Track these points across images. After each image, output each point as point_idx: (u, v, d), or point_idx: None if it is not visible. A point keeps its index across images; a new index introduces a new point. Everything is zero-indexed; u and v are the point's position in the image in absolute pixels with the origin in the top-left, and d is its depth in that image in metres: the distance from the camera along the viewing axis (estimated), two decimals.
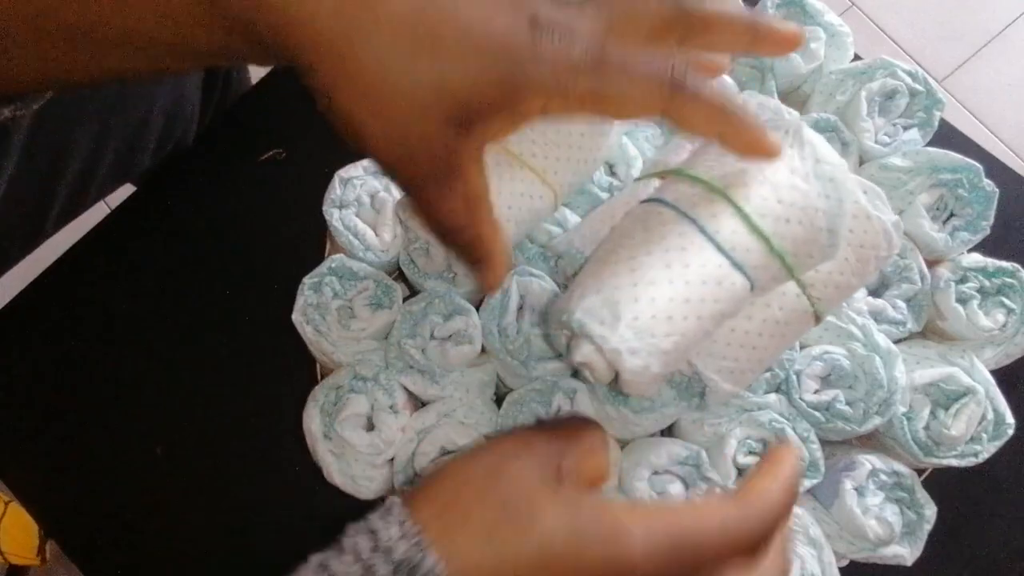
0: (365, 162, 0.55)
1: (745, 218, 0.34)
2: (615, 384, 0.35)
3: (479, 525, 0.29)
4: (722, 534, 0.30)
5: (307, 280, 0.52)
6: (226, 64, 0.30)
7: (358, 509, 0.52)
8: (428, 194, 0.29)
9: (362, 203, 0.54)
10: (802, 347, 0.51)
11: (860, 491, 0.49)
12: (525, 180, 0.49)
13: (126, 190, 0.69)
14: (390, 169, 0.29)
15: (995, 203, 0.53)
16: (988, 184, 0.53)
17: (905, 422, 0.49)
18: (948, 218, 0.54)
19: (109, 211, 0.64)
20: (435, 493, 0.30)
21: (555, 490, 0.30)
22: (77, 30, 0.27)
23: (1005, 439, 0.49)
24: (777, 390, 0.50)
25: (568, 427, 0.33)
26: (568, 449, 0.32)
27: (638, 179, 0.41)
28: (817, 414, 0.49)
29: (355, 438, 0.50)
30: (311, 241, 0.57)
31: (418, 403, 0.53)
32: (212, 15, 0.26)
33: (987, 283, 0.52)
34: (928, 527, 0.49)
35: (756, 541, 0.30)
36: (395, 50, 0.26)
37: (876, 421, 0.48)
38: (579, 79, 0.27)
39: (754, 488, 0.31)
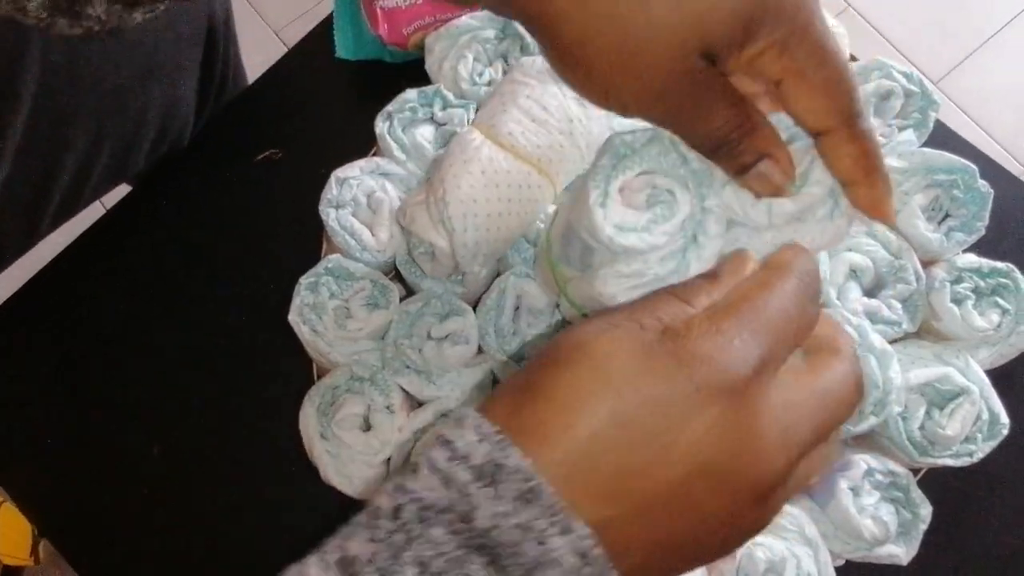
0: (362, 162, 0.55)
1: None
2: None
3: (562, 412, 0.25)
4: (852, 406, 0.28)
5: (303, 280, 0.52)
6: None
7: (355, 509, 0.52)
8: (693, 126, 0.30)
9: (358, 203, 0.54)
10: None
11: (856, 491, 0.49)
12: (522, 171, 0.49)
13: (122, 190, 0.69)
14: (646, 111, 0.30)
15: (990, 204, 0.53)
16: (983, 185, 0.53)
17: (900, 422, 0.49)
18: (943, 219, 0.54)
19: (105, 211, 0.64)
20: (509, 389, 0.27)
21: (654, 355, 0.25)
22: None
23: (1000, 439, 0.49)
24: None
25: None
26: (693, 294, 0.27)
27: None
28: None
29: (351, 438, 0.50)
30: (307, 241, 0.57)
31: (414, 403, 0.53)
32: None
33: (982, 283, 0.52)
34: (924, 527, 0.49)
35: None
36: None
37: (871, 421, 0.48)
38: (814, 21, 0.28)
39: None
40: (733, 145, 0.30)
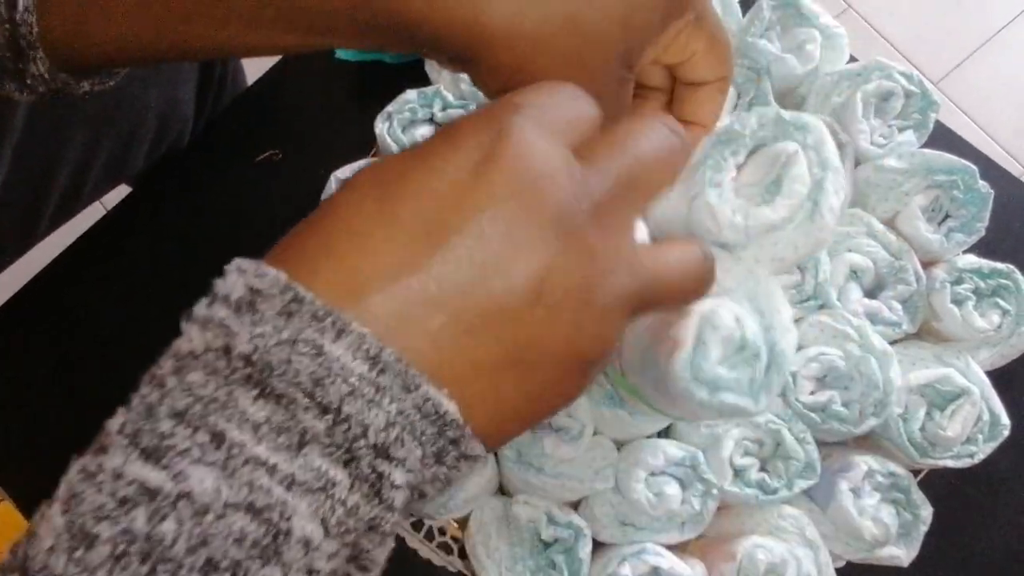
0: (362, 162, 0.55)
1: None
2: None
3: (320, 235, 0.23)
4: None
5: None
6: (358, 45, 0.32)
7: None
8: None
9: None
10: (798, 348, 0.51)
11: (856, 492, 0.49)
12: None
13: (122, 190, 0.69)
14: None
15: (990, 204, 0.53)
16: (983, 186, 0.53)
17: (901, 423, 0.49)
18: (943, 219, 0.54)
19: (104, 212, 0.64)
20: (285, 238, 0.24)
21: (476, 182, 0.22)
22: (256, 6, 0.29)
23: (1001, 440, 0.49)
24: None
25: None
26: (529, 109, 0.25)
27: None
28: (813, 415, 0.49)
29: None
30: None
31: None
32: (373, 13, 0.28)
33: (982, 284, 0.52)
34: (924, 528, 0.49)
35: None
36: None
37: (872, 422, 0.48)
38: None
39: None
40: None
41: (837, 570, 0.50)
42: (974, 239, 0.53)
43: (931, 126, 0.55)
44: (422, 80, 0.58)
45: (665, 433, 0.52)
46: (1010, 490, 0.57)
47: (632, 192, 0.26)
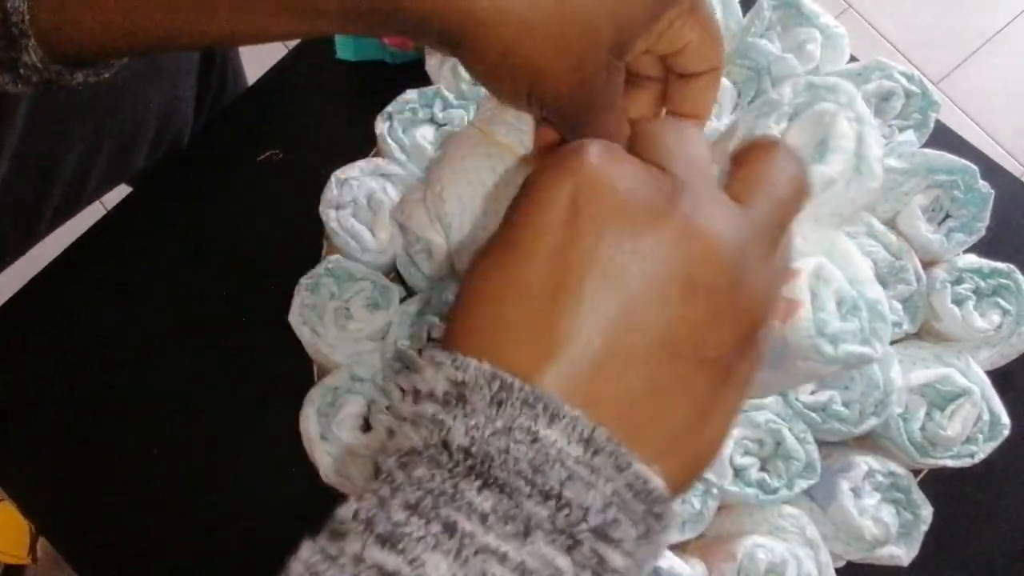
0: (362, 163, 0.55)
1: None
2: None
3: (505, 315, 0.22)
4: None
5: (304, 281, 0.52)
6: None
7: None
8: (592, 121, 0.32)
9: (359, 204, 0.54)
10: None
11: (856, 492, 0.49)
12: (523, 171, 0.49)
13: (122, 190, 0.69)
14: (564, 104, 0.31)
15: (990, 204, 0.53)
16: (983, 185, 0.53)
17: (901, 423, 0.49)
18: (944, 219, 0.54)
19: (104, 211, 0.64)
20: (460, 312, 0.24)
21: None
22: None
23: (1001, 439, 0.49)
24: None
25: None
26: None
27: None
28: (813, 415, 0.49)
29: (352, 439, 0.50)
30: (308, 242, 0.57)
31: None
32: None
33: (982, 284, 0.52)
34: (924, 528, 0.49)
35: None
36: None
37: (872, 422, 0.48)
38: None
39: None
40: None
41: (837, 570, 0.50)
42: (974, 239, 0.53)
43: (931, 126, 0.55)
44: (422, 80, 0.58)
45: None
46: (1010, 490, 0.57)
47: (778, 226, 0.25)
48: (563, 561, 0.20)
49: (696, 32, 0.33)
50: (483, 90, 0.57)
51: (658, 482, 0.21)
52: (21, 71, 0.32)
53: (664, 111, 0.37)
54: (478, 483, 0.21)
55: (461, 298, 0.24)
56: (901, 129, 0.55)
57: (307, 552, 0.22)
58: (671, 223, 0.22)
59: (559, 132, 0.35)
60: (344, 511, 0.22)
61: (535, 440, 0.21)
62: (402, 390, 0.23)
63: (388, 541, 0.20)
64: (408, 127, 0.56)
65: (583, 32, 0.30)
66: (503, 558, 0.20)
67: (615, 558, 0.21)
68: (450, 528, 0.20)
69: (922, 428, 0.49)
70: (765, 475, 0.49)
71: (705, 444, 0.23)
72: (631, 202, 0.23)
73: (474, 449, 0.21)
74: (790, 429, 0.49)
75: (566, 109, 0.32)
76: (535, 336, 0.22)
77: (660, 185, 0.23)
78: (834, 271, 0.34)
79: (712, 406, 0.23)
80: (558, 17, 0.29)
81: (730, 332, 0.23)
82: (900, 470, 0.50)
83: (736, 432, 0.49)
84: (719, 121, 0.53)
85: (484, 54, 0.30)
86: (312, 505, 0.53)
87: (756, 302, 0.23)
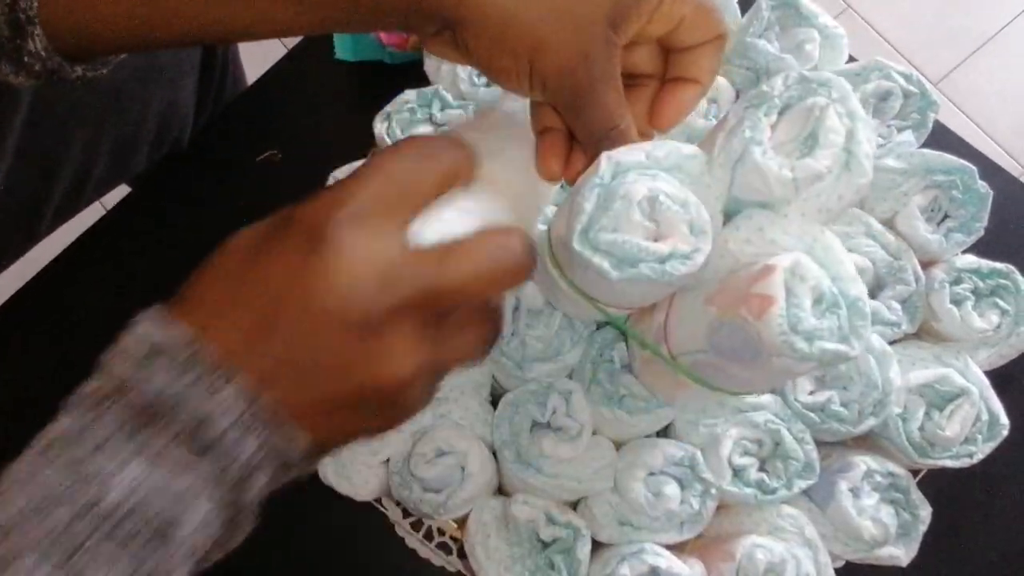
0: (361, 163, 0.55)
1: None
2: None
3: (207, 299, 0.30)
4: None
5: None
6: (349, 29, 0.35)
7: (353, 509, 0.52)
8: (593, 97, 0.33)
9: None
10: None
11: (855, 492, 0.49)
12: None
13: (122, 190, 0.69)
14: (566, 78, 0.33)
15: (989, 204, 0.53)
16: (982, 185, 0.53)
17: (900, 423, 0.49)
18: (942, 219, 0.54)
19: (104, 211, 0.64)
20: (181, 291, 0.31)
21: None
22: None
23: (999, 440, 0.49)
24: (772, 391, 0.50)
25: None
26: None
27: None
28: (812, 415, 0.49)
29: None
30: None
31: None
32: None
33: (981, 284, 0.52)
34: (923, 528, 0.49)
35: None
36: None
37: (871, 422, 0.48)
38: None
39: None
40: (615, 137, 0.34)
41: (836, 570, 0.50)
42: (973, 239, 0.53)
43: (930, 126, 0.55)
44: (421, 80, 0.58)
45: (664, 433, 0.52)
46: (1009, 490, 0.57)
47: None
48: (202, 486, 0.27)
49: (689, 6, 0.33)
50: (482, 91, 0.57)
51: (299, 435, 0.29)
52: (25, 59, 0.33)
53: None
54: (156, 428, 0.27)
55: (208, 268, 0.31)
56: (900, 129, 0.55)
57: (16, 464, 0.27)
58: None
59: (560, 114, 0.35)
60: (49, 433, 0.28)
61: (211, 395, 0.26)
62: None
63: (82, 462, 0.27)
64: (406, 127, 0.56)
65: (576, 13, 0.31)
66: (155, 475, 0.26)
67: (250, 492, 0.30)
68: (136, 453, 0.27)
69: (921, 428, 0.50)
70: (764, 475, 0.49)
71: (338, 432, 0.30)
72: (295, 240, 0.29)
73: (158, 403, 0.27)
74: (789, 429, 0.49)
75: (568, 83, 0.32)
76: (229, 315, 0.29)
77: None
78: (811, 267, 0.34)
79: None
80: (550, 2, 0.30)
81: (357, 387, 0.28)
82: (899, 470, 0.50)
83: (734, 432, 0.49)
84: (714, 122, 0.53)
85: (484, 27, 0.31)
86: (312, 504, 0.54)
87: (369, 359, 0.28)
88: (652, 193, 0.35)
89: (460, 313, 0.30)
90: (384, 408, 0.29)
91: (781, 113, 0.36)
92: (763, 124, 0.35)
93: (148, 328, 0.29)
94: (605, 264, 0.35)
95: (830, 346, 0.33)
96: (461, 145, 0.31)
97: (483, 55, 0.32)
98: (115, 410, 0.27)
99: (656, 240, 0.36)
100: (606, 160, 0.35)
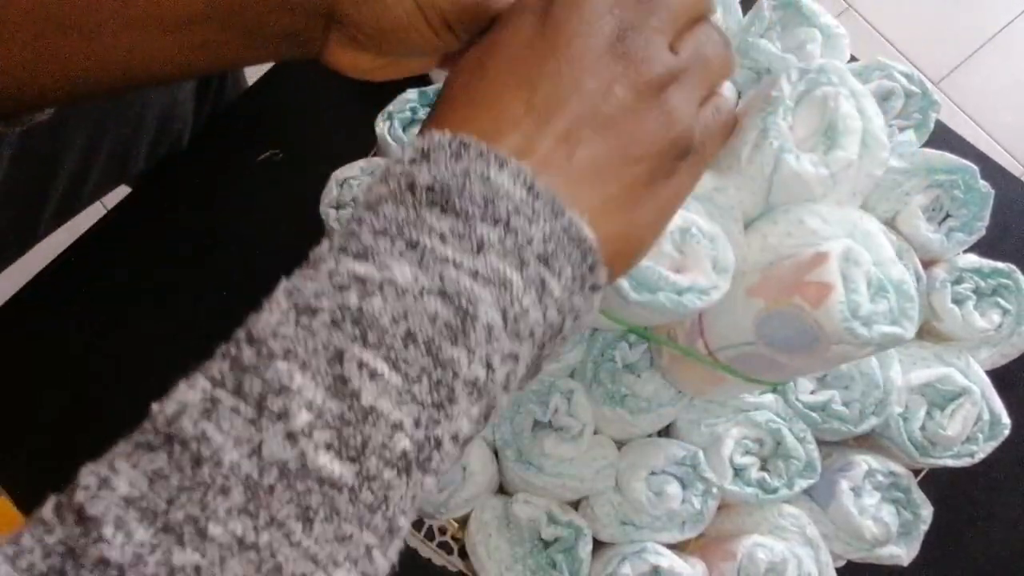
0: (362, 163, 0.55)
1: None
2: None
3: (468, 95, 0.27)
4: None
5: None
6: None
7: None
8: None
9: (359, 204, 0.54)
10: None
11: (856, 491, 0.49)
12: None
13: (122, 191, 0.69)
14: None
15: (990, 204, 0.53)
16: (984, 185, 0.53)
17: (901, 422, 0.49)
18: (944, 219, 0.54)
19: (105, 211, 0.64)
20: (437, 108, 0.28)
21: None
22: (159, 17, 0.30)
23: (1001, 439, 0.49)
24: (774, 390, 0.50)
25: None
26: None
27: None
28: (813, 414, 0.49)
29: None
30: (308, 242, 0.57)
31: None
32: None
33: (983, 284, 0.52)
34: (924, 527, 0.49)
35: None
36: None
37: (872, 421, 0.48)
38: None
39: None
40: None
41: (837, 569, 0.50)
42: (974, 239, 0.53)
43: (931, 126, 0.55)
44: (422, 80, 0.58)
45: (665, 432, 0.52)
46: (1010, 490, 0.57)
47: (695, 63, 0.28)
48: (514, 275, 0.24)
49: None
50: None
51: (589, 232, 0.25)
52: None
53: None
54: (437, 210, 0.24)
55: (443, 88, 0.28)
56: (901, 129, 0.55)
57: (286, 282, 0.25)
58: (616, 52, 0.27)
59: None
60: (318, 248, 0.25)
61: (487, 180, 0.24)
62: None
63: (359, 255, 0.24)
64: (408, 126, 0.56)
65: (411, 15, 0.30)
66: (459, 265, 0.24)
67: (554, 285, 0.25)
68: (413, 244, 0.24)
69: (922, 428, 0.49)
70: (765, 475, 0.49)
71: (635, 227, 0.28)
72: (585, 16, 0.27)
73: (436, 186, 0.24)
74: (790, 429, 0.49)
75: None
76: (497, 111, 0.26)
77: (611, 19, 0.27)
78: (863, 252, 0.34)
79: (643, 195, 0.27)
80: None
81: (655, 139, 0.27)
82: (900, 470, 0.50)
83: (736, 431, 0.49)
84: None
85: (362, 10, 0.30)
86: None
87: (677, 122, 0.27)
88: (685, 224, 0.35)
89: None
90: (667, 171, 0.28)
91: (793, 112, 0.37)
92: (786, 130, 0.36)
93: (406, 146, 0.27)
94: (625, 285, 0.35)
95: (888, 329, 0.33)
96: None
97: (369, 19, 0.31)
98: (391, 202, 0.25)
99: (678, 271, 0.36)
100: None
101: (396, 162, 0.26)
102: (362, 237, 0.24)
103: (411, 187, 0.25)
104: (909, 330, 0.34)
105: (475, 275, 0.24)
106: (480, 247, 0.24)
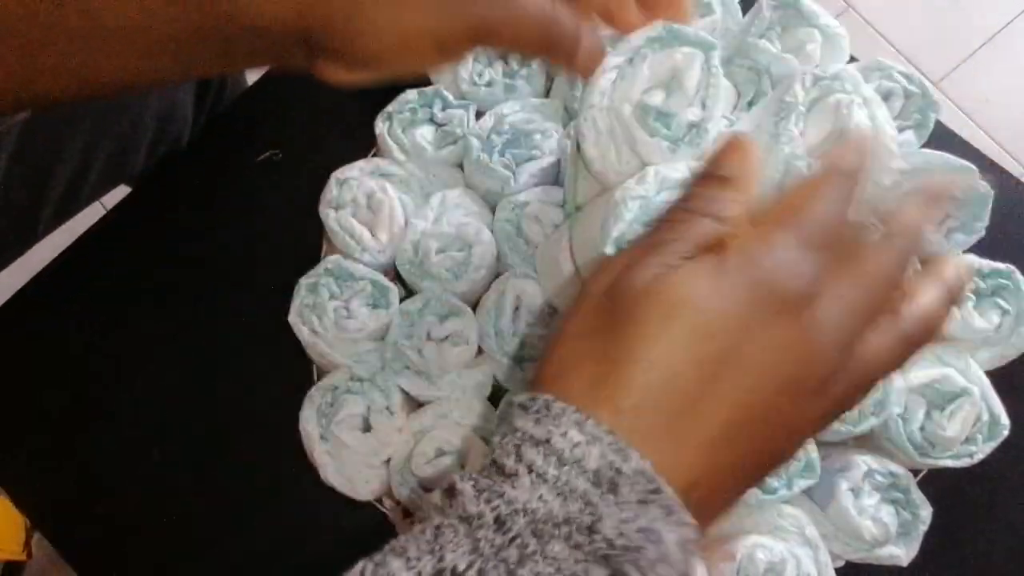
0: (361, 163, 0.55)
1: None
2: None
3: (651, 370, 0.24)
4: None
5: (303, 281, 0.52)
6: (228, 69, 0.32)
7: (354, 510, 0.52)
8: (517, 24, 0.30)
9: (358, 204, 0.54)
10: None
11: (856, 492, 0.49)
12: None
13: (122, 191, 0.69)
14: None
15: (990, 204, 0.53)
16: (983, 185, 0.53)
17: (900, 423, 0.49)
18: (943, 220, 0.54)
19: (104, 211, 0.64)
20: (575, 360, 0.26)
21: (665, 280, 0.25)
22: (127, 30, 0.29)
23: (1000, 440, 0.49)
24: None
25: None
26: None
27: None
28: None
29: (351, 439, 0.50)
30: (307, 242, 0.57)
31: (414, 404, 0.53)
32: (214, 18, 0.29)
33: (982, 284, 0.52)
34: (924, 528, 0.49)
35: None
36: (388, 9, 0.29)
37: (871, 422, 0.48)
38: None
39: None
40: (560, 28, 0.31)
41: (837, 570, 0.50)
42: (974, 239, 0.53)
43: (931, 126, 0.55)
44: (422, 80, 0.58)
45: None
46: (1010, 490, 0.57)
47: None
48: None
49: None
50: (483, 90, 0.57)
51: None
52: None
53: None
54: (606, 571, 0.22)
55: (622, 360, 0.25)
56: (900, 129, 0.55)
57: None
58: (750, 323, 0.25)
59: None
60: (457, 559, 0.22)
61: (660, 542, 0.23)
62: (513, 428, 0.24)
63: None
64: (408, 127, 0.56)
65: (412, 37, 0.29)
66: None
67: None
68: None
69: (921, 428, 0.50)
70: None
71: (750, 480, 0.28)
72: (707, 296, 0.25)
73: (618, 543, 0.22)
74: None
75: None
76: (676, 432, 0.24)
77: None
78: None
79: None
80: (379, 29, 0.29)
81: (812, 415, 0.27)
82: (899, 470, 0.50)
83: None
84: (721, 123, 0.53)
85: (341, 36, 0.29)
86: (313, 506, 0.54)
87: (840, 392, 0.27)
88: None
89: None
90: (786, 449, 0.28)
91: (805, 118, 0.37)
92: (797, 136, 0.36)
93: (581, 441, 0.24)
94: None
95: None
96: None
97: (362, 50, 0.30)
98: (564, 542, 0.23)
99: None
100: (653, 174, 0.34)
101: (574, 466, 0.23)
102: None
103: (591, 531, 0.23)
104: None
105: None
106: None
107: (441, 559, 0.22)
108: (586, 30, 0.32)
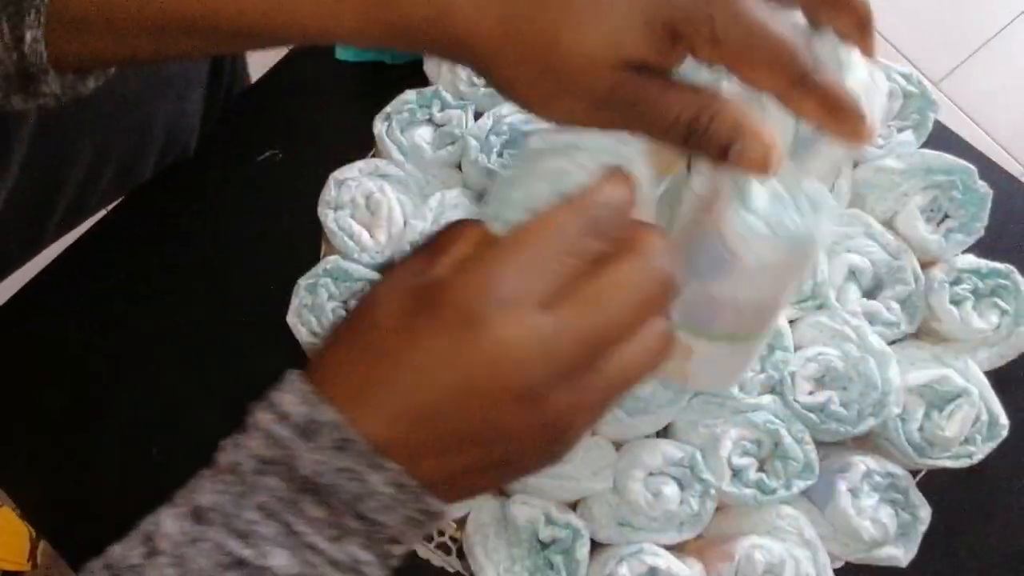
0: (360, 164, 0.55)
1: None
2: None
3: (357, 375, 0.29)
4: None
5: (302, 281, 0.52)
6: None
7: None
8: (651, 124, 0.31)
9: (357, 205, 0.54)
10: (796, 348, 0.51)
11: (855, 492, 0.49)
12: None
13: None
14: (600, 124, 0.32)
15: (989, 204, 0.53)
16: (982, 185, 0.53)
17: (899, 423, 0.49)
18: (942, 220, 0.54)
19: (105, 213, 0.64)
20: (326, 356, 0.31)
21: (414, 316, 0.29)
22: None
23: (999, 440, 0.49)
24: (772, 391, 0.50)
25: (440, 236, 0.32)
26: (435, 258, 0.31)
27: None
28: (811, 415, 0.49)
29: None
30: (306, 243, 0.57)
31: None
32: (381, 19, 0.31)
33: (981, 284, 0.52)
34: (923, 528, 0.49)
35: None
36: (570, 27, 0.30)
37: (870, 422, 0.48)
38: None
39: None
40: (702, 130, 0.30)
41: (836, 570, 0.50)
42: (973, 239, 0.53)
43: (930, 126, 0.55)
44: (421, 81, 0.58)
45: (663, 433, 0.52)
46: (1009, 490, 0.57)
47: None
48: (369, 556, 0.29)
49: (728, 58, 0.29)
50: (481, 91, 0.57)
51: (441, 506, 0.29)
52: (41, 99, 0.35)
53: None
54: (314, 499, 0.28)
55: (358, 335, 0.30)
56: (900, 129, 0.55)
57: (172, 527, 0.28)
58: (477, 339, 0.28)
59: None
60: (204, 498, 0.28)
61: (361, 481, 0.28)
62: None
63: (243, 536, 0.28)
64: (406, 127, 0.56)
65: (581, 65, 0.30)
66: (322, 552, 0.28)
67: (400, 549, 0.30)
68: (288, 528, 0.28)
69: (920, 429, 0.50)
70: (763, 476, 0.49)
71: (479, 489, 0.32)
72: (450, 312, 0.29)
73: (315, 480, 0.28)
74: (788, 430, 0.49)
75: (603, 125, 0.31)
76: (380, 396, 0.29)
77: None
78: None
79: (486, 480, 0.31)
80: (556, 54, 0.29)
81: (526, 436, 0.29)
82: (898, 470, 0.50)
83: (734, 433, 0.49)
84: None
85: (498, 79, 0.31)
86: None
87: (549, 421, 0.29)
88: None
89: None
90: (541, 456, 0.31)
91: None
92: None
93: (295, 402, 0.29)
94: None
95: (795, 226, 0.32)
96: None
97: (511, 99, 0.32)
98: (277, 477, 0.28)
99: None
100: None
101: (282, 420, 0.28)
102: (245, 511, 0.28)
103: (290, 469, 0.28)
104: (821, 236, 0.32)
105: (334, 563, 0.28)
106: (342, 537, 0.28)
107: (194, 499, 0.29)
108: None
